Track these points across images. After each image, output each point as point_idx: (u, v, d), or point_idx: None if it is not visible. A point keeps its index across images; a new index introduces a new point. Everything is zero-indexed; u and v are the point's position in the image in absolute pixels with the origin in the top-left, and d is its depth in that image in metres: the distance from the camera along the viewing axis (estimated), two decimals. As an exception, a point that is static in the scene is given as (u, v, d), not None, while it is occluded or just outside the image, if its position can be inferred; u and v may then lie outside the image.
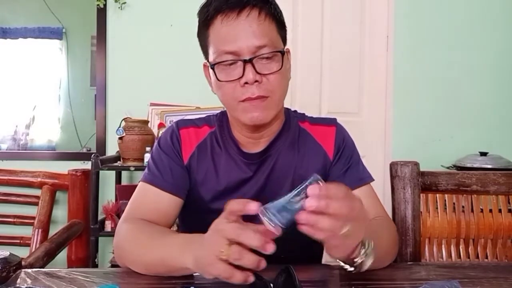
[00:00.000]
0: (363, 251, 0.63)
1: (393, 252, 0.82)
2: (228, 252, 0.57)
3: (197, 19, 0.86)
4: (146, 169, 0.90)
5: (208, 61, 0.85)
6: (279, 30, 0.84)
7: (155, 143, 0.95)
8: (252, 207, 0.58)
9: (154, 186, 0.86)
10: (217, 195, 0.90)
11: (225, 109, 0.92)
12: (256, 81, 0.79)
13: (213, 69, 0.82)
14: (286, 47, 0.87)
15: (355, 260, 0.64)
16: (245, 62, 0.78)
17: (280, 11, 0.86)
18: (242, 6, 0.79)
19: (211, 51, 0.83)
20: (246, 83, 0.79)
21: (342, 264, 0.68)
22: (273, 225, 0.55)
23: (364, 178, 0.92)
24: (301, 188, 0.56)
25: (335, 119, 0.98)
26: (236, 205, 0.60)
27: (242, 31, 0.78)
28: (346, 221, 0.56)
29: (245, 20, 0.79)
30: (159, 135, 2.08)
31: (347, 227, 0.56)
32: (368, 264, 0.65)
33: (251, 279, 0.58)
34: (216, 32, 0.81)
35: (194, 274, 0.71)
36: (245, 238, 0.56)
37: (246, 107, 0.81)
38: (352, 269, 0.67)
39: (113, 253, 2.16)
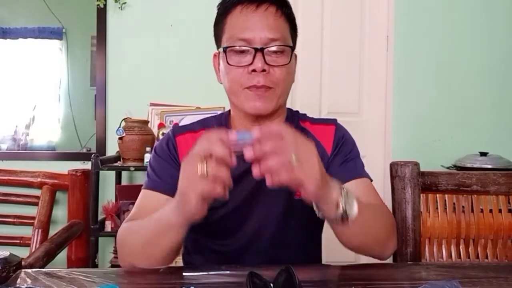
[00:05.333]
0: (341, 198, 0.67)
1: (389, 235, 0.83)
2: (204, 168, 0.63)
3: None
4: (146, 177, 0.92)
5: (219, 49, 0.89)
6: (291, 31, 0.90)
7: (152, 151, 0.97)
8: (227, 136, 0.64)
9: (155, 191, 0.88)
10: None
11: (224, 110, 0.94)
12: (264, 70, 0.83)
13: (225, 52, 0.85)
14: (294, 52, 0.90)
15: (338, 208, 0.66)
16: (256, 50, 0.82)
17: (294, 16, 0.92)
18: (262, 1, 0.85)
19: (225, 38, 0.87)
20: (254, 70, 0.83)
21: (332, 217, 0.69)
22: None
23: (362, 173, 0.92)
24: None
25: (335, 119, 0.99)
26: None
27: (259, 22, 0.84)
28: (290, 151, 0.61)
29: (263, 13, 0.85)
30: (159, 135, 2.10)
31: (292, 155, 0.61)
32: (354, 210, 0.68)
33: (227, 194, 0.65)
34: (234, 20, 0.86)
35: (191, 274, 0.71)
36: (214, 148, 0.63)
37: (250, 95, 0.84)
38: (340, 216, 0.68)
39: (113, 253, 2.16)
